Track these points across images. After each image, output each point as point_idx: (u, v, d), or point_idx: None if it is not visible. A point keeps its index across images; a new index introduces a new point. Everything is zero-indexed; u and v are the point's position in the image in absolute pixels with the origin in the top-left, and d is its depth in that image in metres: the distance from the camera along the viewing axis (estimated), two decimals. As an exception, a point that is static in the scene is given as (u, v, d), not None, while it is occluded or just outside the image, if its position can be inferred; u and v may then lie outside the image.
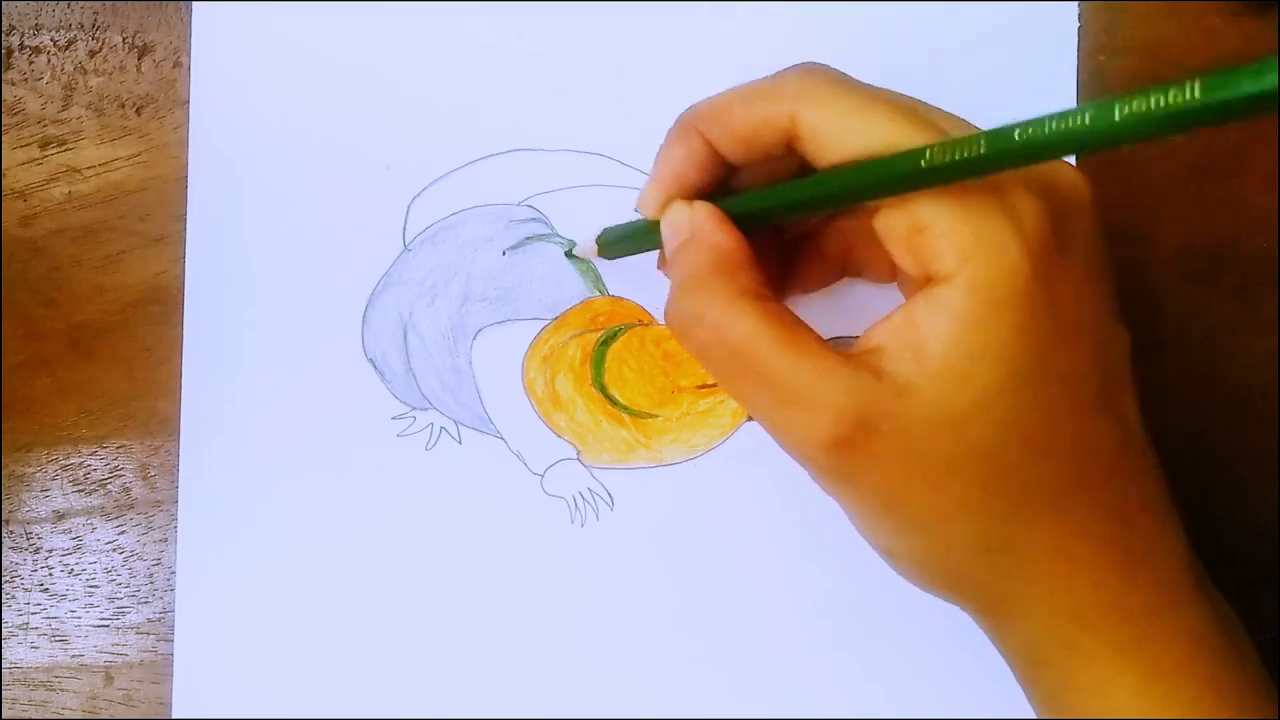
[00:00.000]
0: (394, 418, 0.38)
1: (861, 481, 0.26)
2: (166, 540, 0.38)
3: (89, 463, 0.39)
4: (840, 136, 0.26)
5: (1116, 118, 0.21)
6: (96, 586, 0.38)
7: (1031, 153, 0.22)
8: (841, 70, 0.28)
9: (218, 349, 0.38)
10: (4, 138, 0.39)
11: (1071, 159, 0.29)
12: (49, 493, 0.39)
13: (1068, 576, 0.26)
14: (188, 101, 0.38)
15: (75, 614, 0.38)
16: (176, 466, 0.38)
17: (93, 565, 0.38)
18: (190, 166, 0.38)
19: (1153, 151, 0.37)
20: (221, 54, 0.38)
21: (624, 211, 0.37)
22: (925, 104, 0.27)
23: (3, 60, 0.39)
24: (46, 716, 0.38)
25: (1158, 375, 0.37)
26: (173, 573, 0.38)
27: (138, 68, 0.39)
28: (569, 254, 0.37)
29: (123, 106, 0.39)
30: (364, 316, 0.38)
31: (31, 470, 0.39)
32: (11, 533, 0.39)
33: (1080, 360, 0.25)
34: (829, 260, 0.33)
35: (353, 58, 0.38)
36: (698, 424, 0.37)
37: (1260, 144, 0.37)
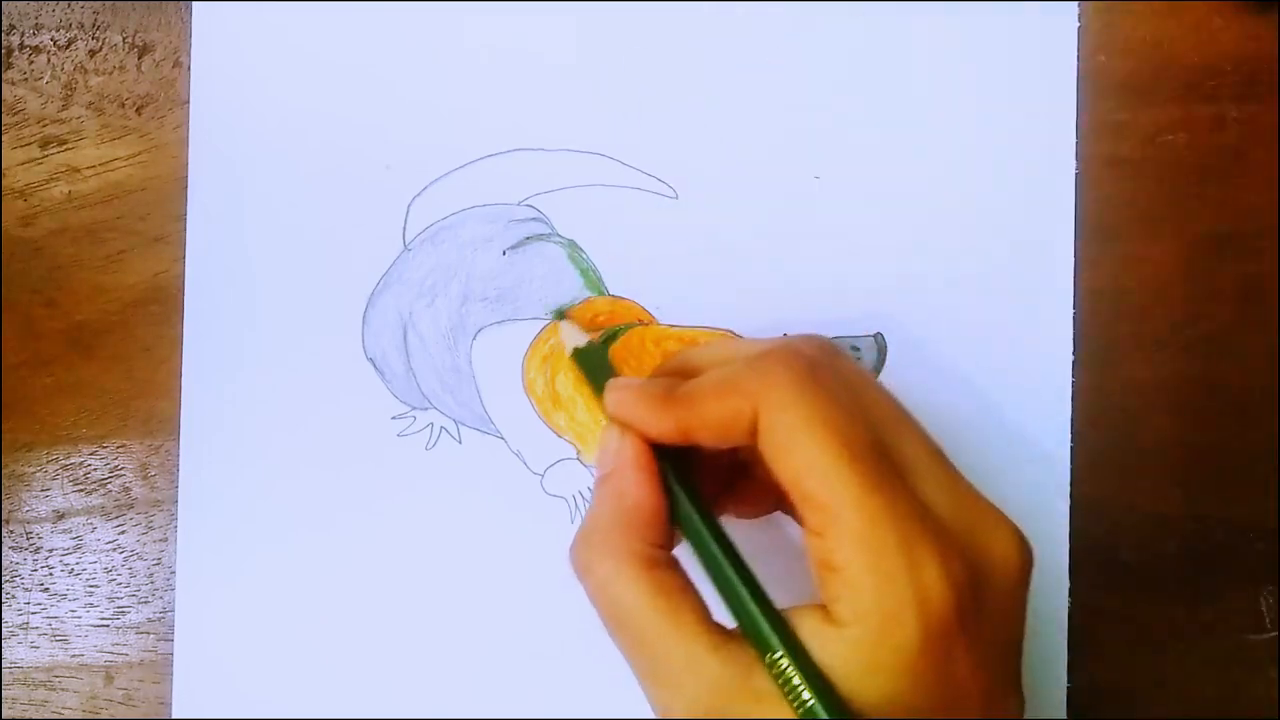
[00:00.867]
0: (394, 417, 0.38)
1: None
2: (166, 540, 0.38)
3: (89, 462, 0.39)
4: (781, 455, 0.26)
5: None
6: (96, 586, 0.38)
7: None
8: (825, 352, 0.28)
9: (218, 349, 0.38)
10: (4, 137, 0.39)
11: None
12: (49, 492, 0.39)
13: None
14: (188, 101, 0.38)
15: (75, 614, 0.38)
16: (176, 466, 0.38)
17: (93, 565, 0.38)
18: (190, 166, 0.38)
19: (1153, 152, 0.37)
20: (221, 54, 0.38)
21: (624, 211, 0.37)
22: (899, 421, 0.27)
23: (3, 60, 0.39)
24: (46, 716, 0.38)
25: (1158, 375, 0.37)
26: (173, 572, 0.38)
27: (138, 67, 0.39)
28: (557, 313, 0.37)
29: (123, 106, 0.39)
30: (364, 316, 0.38)
31: (31, 470, 0.39)
32: (11, 532, 0.39)
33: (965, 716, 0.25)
34: (768, 494, 0.31)
35: (353, 58, 0.38)
36: (698, 424, 0.37)
37: (1260, 144, 0.37)
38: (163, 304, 0.38)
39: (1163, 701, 0.36)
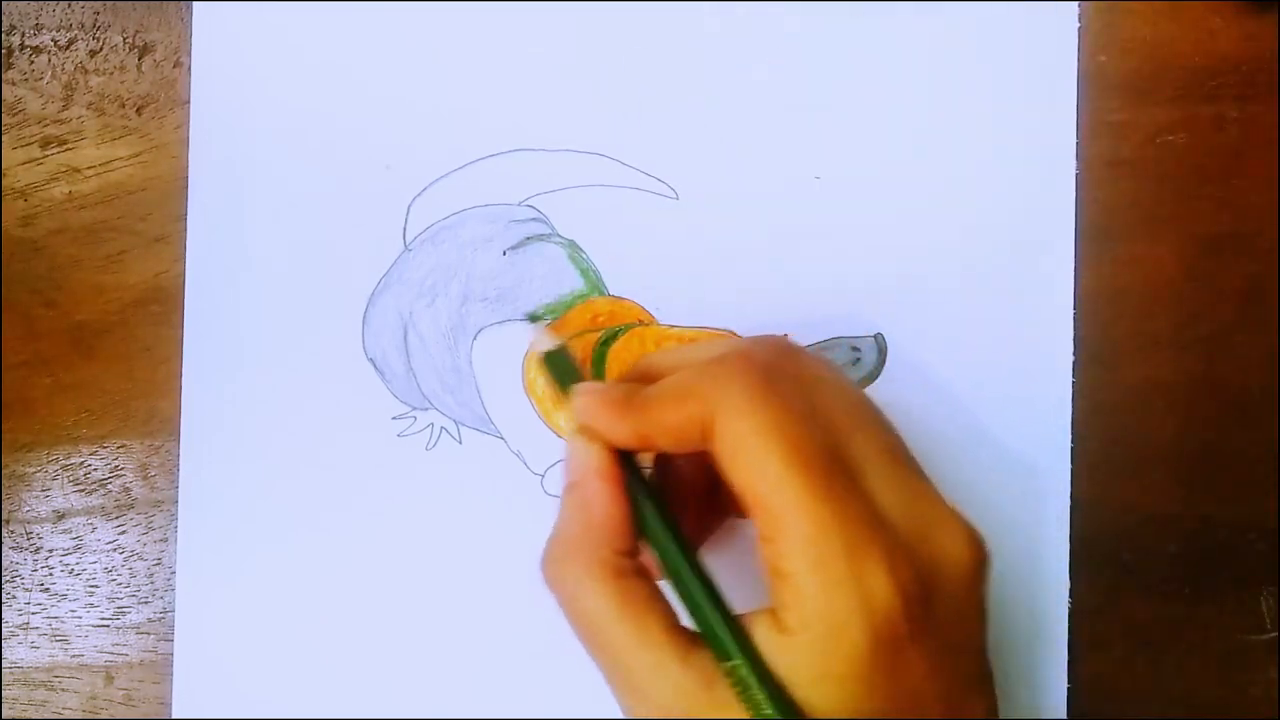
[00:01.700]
0: (394, 418, 0.38)
1: None
2: (166, 540, 0.38)
3: (89, 462, 0.39)
4: (734, 461, 0.26)
5: None
6: (97, 586, 0.38)
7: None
8: (781, 354, 0.28)
9: (218, 349, 0.38)
10: (4, 137, 0.39)
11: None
12: (49, 492, 0.39)
13: None
14: (188, 101, 0.38)
15: (75, 614, 0.38)
16: (176, 466, 0.38)
17: (93, 565, 0.38)
18: (190, 166, 0.38)
19: (1153, 152, 0.37)
20: (221, 54, 0.38)
21: (624, 211, 0.37)
22: (855, 420, 0.27)
23: (3, 60, 0.39)
24: (46, 716, 0.38)
25: (1158, 375, 0.37)
26: (173, 572, 0.38)
27: (138, 67, 0.39)
28: (531, 316, 0.37)
29: (123, 106, 0.39)
30: (364, 316, 0.38)
31: (31, 470, 0.39)
32: (12, 532, 0.39)
33: None
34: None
35: (353, 58, 0.38)
36: (698, 424, 0.37)
37: (1260, 144, 0.37)
38: (163, 304, 0.38)
39: (1163, 701, 0.36)
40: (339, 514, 0.38)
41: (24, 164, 0.39)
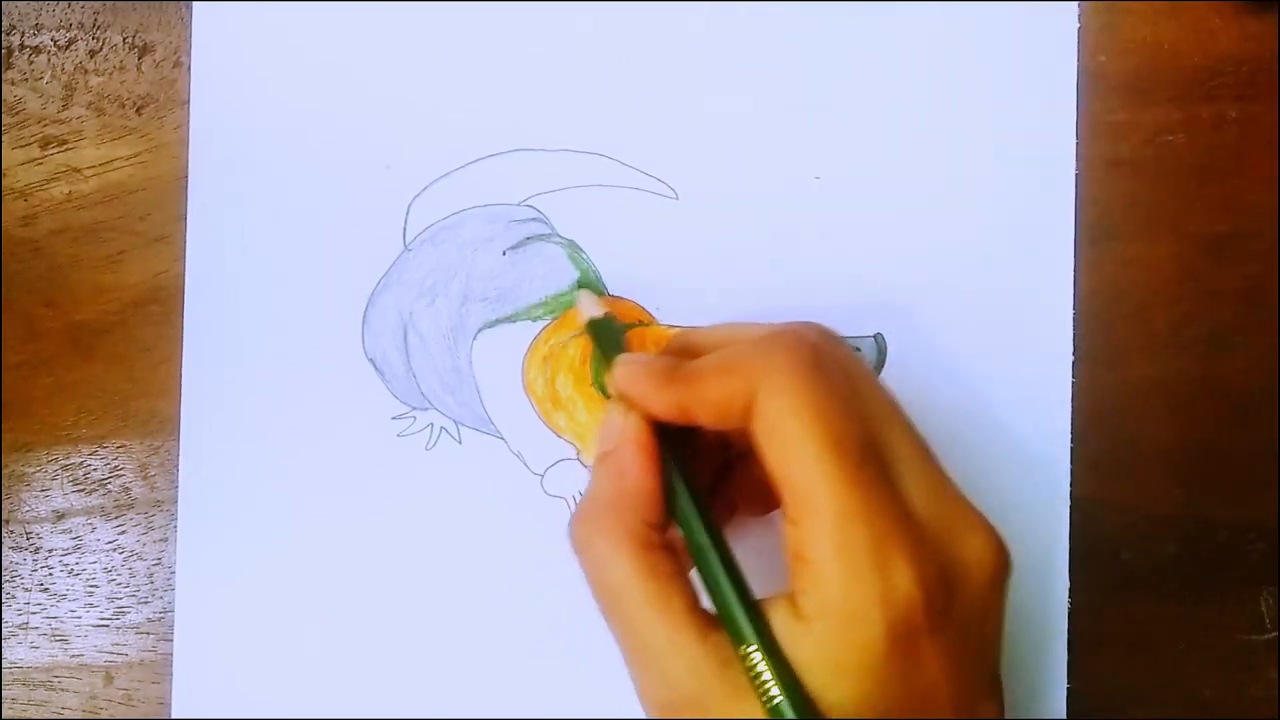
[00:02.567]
0: (394, 418, 0.38)
1: None
2: (166, 540, 0.38)
3: (89, 462, 0.39)
4: (771, 439, 0.25)
5: None
6: (96, 586, 0.38)
7: None
8: (828, 339, 0.28)
9: (218, 349, 0.38)
10: (4, 137, 0.39)
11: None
12: (49, 492, 0.39)
13: None
14: (188, 101, 0.38)
15: (75, 614, 0.38)
16: (176, 466, 0.38)
17: (93, 565, 0.38)
18: (190, 166, 0.38)
19: (1153, 152, 0.37)
20: (221, 54, 0.38)
21: (624, 211, 0.37)
22: (891, 416, 0.27)
23: (3, 60, 0.39)
24: (46, 716, 0.38)
25: (1158, 375, 0.37)
26: (173, 572, 0.38)
27: (138, 67, 0.39)
28: (579, 283, 0.37)
29: (123, 106, 0.39)
30: (364, 316, 0.38)
31: (31, 470, 0.39)
32: (11, 533, 0.39)
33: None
34: (761, 489, 0.30)
35: (353, 58, 0.38)
36: (698, 424, 0.37)
37: (1260, 144, 0.37)
38: (163, 304, 0.38)
39: (1163, 701, 0.36)
40: (339, 514, 0.38)
41: (24, 164, 0.39)
